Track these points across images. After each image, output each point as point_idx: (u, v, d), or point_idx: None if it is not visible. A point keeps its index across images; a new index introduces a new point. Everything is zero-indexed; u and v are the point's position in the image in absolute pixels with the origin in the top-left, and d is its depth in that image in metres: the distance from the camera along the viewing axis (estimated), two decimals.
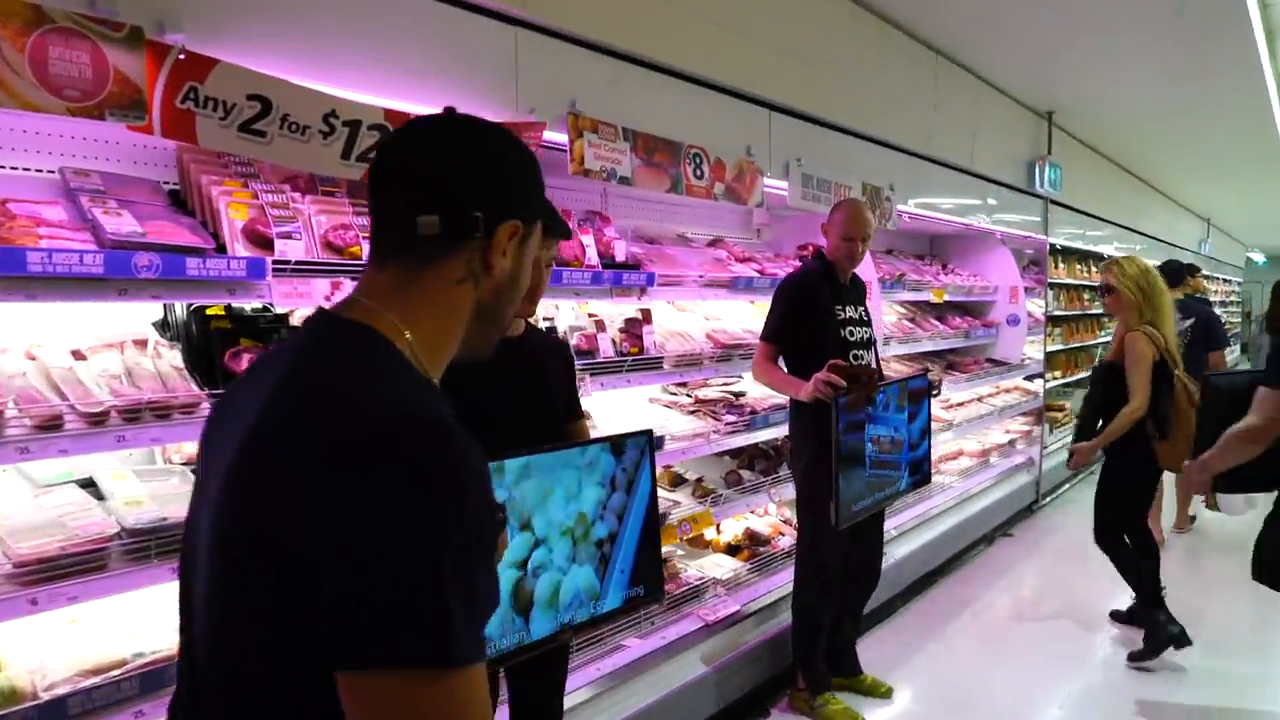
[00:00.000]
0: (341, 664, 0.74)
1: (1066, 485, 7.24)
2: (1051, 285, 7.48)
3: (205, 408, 2.10)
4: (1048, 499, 6.81)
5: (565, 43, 2.65)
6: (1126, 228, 10.21)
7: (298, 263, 2.21)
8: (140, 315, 2.34)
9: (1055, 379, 7.66)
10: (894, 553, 4.48)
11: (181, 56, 1.66)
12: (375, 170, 0.97)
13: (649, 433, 2.22)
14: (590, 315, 3.31)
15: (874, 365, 3.51)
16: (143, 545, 1.97)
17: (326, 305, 0.97)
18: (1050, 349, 7.39)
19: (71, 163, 2.18)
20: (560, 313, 3.31)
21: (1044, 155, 6.81)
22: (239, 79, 1.74)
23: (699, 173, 3.23)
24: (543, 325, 3.17)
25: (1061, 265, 8.05)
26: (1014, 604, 4.71)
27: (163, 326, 2.34)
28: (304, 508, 0.77)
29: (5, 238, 1.80)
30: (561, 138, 2.61)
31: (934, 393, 4.50)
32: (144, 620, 2.06)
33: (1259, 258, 23.19)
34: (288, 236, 2.23)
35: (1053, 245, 7.44)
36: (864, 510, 3.19)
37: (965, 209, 5.91)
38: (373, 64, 2.12)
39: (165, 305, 2.33)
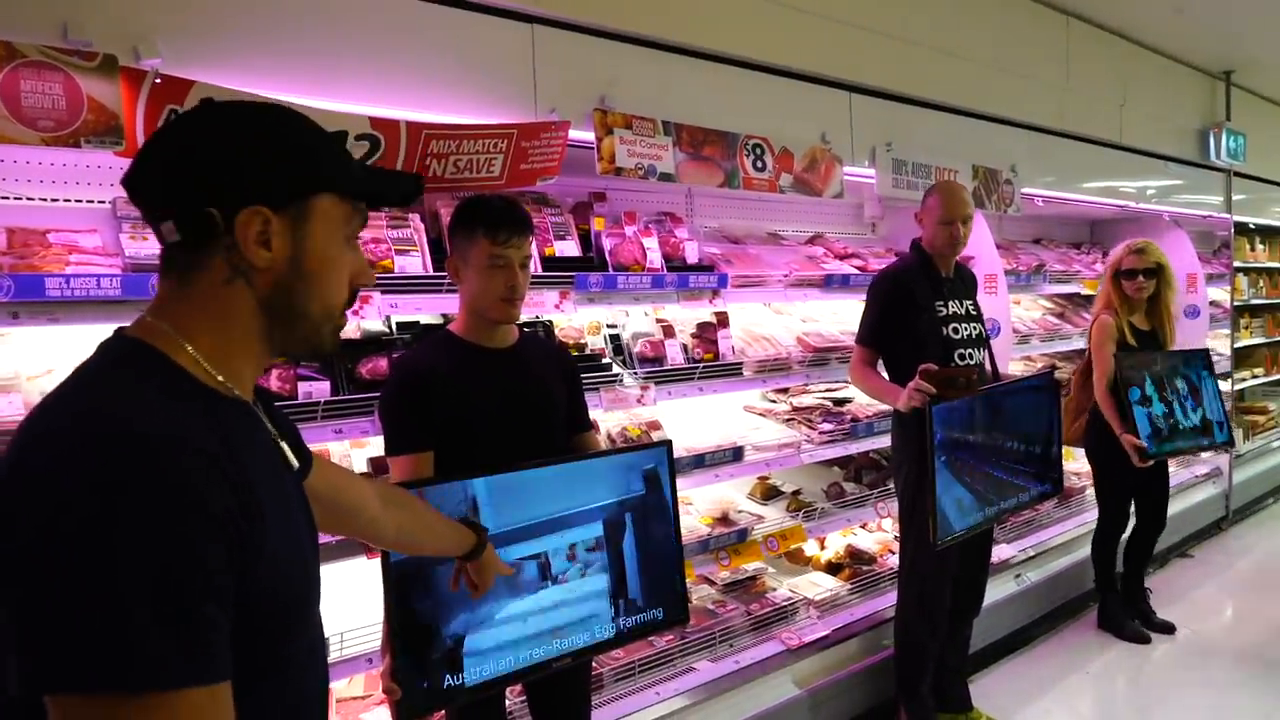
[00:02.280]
0: (33, 687, 0.70)
1: (1272, 500, 6.29)
2: (1245, 270, 6.55)
3: None
4: (1243, 517, 5.93)
5: (592, 36, 2.54)
6: None
7: None
8: None
9: (1254, 376, 6.70)
10: (1029, 575, 4.02)
11: (158, 81, 1.70)
12: (124, 178, 0.92)
13: (667, 444, 2.07)
14: (659, 321, 3.18)
15: (985, 365, 3.16)
16: None
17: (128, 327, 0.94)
18: (1246, 343, 6.47)
19: (91, 192, 2.30)
20: (629, 318, 3.20)
21: (1221, 122, 5.97)
22: (217, 97, 1.76)
23: (760, 164, 3.03)
24: (605, 333, 3.08)
25: (1260, 247, 7.03)
26: (1184, 638, 4.09)
27: None
28: None
29: (34, 265, 1.92)
30: (590, 136, 2.51)
31: (1065, 393, 4.04)
32: None
33: None
34: None
35: (1242, 224, 6.51)
36: (973, 527, 2.86)
37: (1117, 189, 5.27)
38: (366, 74, 2.11)
39: None
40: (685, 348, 3.15)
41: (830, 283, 3.56)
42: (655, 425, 3.12)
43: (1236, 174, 6.29)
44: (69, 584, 0.69)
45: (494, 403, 1.95)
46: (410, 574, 1.69)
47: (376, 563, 2.33)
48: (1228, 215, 6.28)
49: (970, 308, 3.17)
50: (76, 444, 0.74)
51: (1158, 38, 5.34)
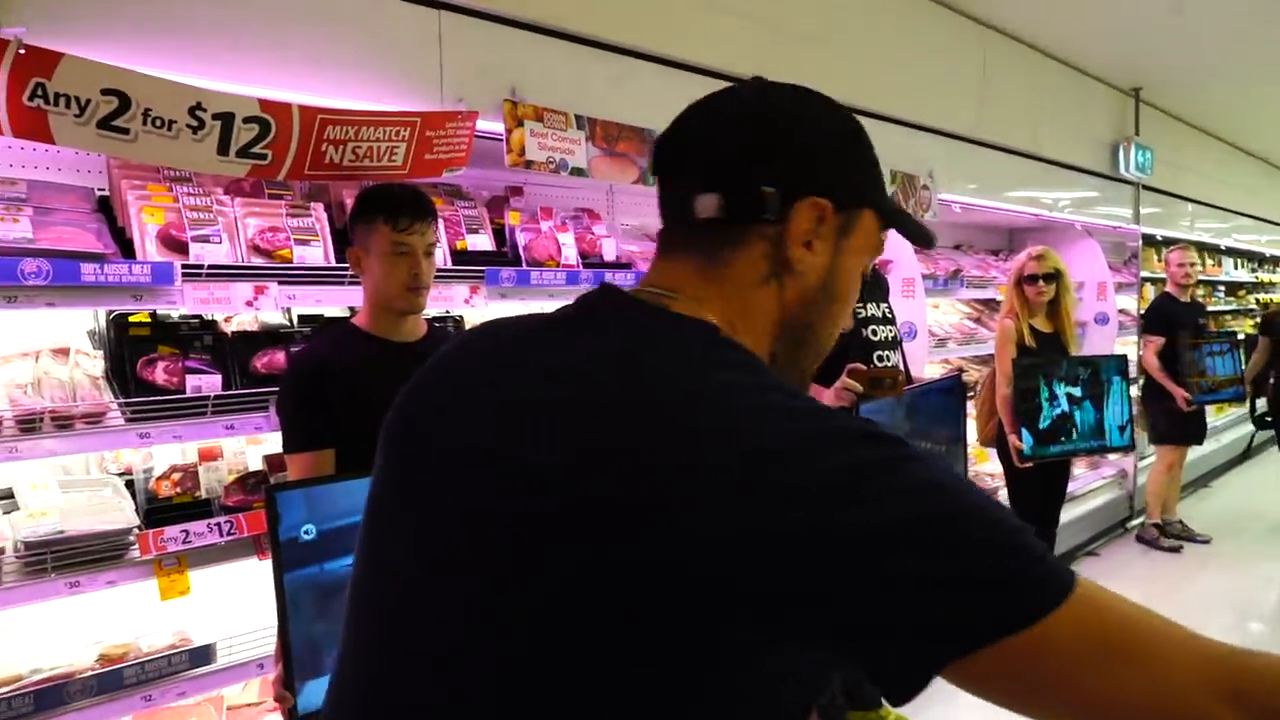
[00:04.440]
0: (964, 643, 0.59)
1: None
2: (1152, 280, 6.81)
3: (114, 417, 2.05)
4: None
5: (503, 25, 2.49)
6: (1243, 214, 9.22)
7: (213, 267, 2.14)
8: (76, 323, 2.33)
9: None
10: None
11: (22, 51, 1.60)
12: (655, 143, 0.84)
13: None
14: None
15: (900, 366, 3.21)
16: (38, 558, 1.92)
17: (625, 289, 0.79)
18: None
19: (9, 172, 2.19)
20: None
21: (1130, 136, 6.20)
22: (90, 73, 1.67)
23: None
24: None
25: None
26: None
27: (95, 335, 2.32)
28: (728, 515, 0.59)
29: None
30: (500, 127, 2.46)
31: (970, 395, 4.14)
32: (43, 636, 2.02)
33: None
34: (204, 240, 2.16)
35: (1149, 236, 6.78)
36: None
37: (1031, 198, 5.42)
38: (256, 52, 2.02)
39: (95, 313, 2.31)
40: None
41: None
42: None
43: (1145, 187, 6.54)
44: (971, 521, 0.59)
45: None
46: (303, 590, 1.62)
47: (268, 564, 2.26)
48: (1136, 227, 6.52)
49: (886, 310, 3.21)
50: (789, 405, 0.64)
51: (1071, 53, 5.50)
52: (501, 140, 2.50)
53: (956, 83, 4.64)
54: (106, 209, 2.25)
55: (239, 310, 2.27)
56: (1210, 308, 7.55)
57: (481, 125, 2.40)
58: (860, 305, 3.06)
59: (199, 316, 2.34)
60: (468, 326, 2.87)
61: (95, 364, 2.20)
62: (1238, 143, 8.81)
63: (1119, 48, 5.45)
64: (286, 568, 1.59)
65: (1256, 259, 10.30)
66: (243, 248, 2.26)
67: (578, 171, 2.63)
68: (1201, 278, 7.60)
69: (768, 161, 0.76)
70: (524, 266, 2.82)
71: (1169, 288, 5.54)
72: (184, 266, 2.08)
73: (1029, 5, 4.62)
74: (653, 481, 0.60)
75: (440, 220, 2.36)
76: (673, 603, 0.59)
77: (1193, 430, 5.47)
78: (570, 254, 2.94)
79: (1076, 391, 3.96)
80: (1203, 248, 8.09)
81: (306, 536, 1.64)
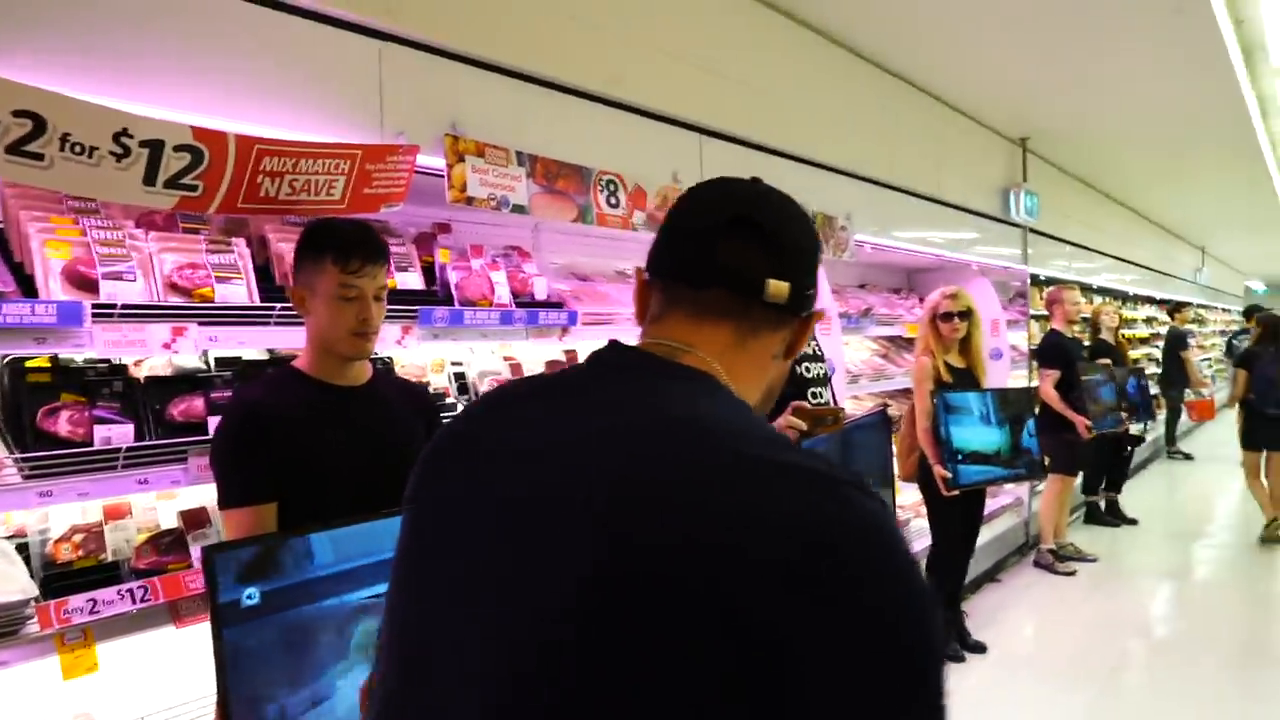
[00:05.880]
0: None
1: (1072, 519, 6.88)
2: (1037, 318, 7.20)
3: (9, 474, 1.83)
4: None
5: (443, 59, 2.41)
6: (1117, 258, 9.95)
7: (126, 306, 1.95)
8: None
9: None
10: None
11: None
12: (731, 219, 0.86)
13: None
14: (506, 359, 3.05)
15: (833, 402, 3.26)
16: None
17: (633, 346, 0.87)
18: (1037, 383, 7.07)
19: None
20: (475, 356, 3.04)
21: (1019, 183, 6.58)
22: (1, 92, 1.50)
23: (613, 201, 2.98)
24: (450, 371, 2.91)
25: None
26: (994, 656, 4.34)
27: None
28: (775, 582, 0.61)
29: None
30: (439, 162, 2.37)
31: (895, 429, 4.26)
32: None
33: (1258, 286, 22.87)
34: (117, 277, 1.98)
35: (1034, 276, 7.18)
36: None
37: (935, 240, 5.66)
38: (189, 79, 1.88)
39: None
40: None
41: None
42: None
43: (1031, 230, 6.93)
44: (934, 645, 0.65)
45: (345, 446, 1.76)
46: (247, 650, 1.46)
47: (186, 632, 2.05)
48: (1025, 267, 6.89)
49: (816, 348, 3.26)
50: (829, 473, 0.69)
51: (965, 102, 5.81)
52: (435, 175, 2.40)
53: (872, 130, 4.82)
54: (0, 242, 2.03)
55: (154, 353, 2.09)
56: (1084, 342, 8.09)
57: (419, 160, 2.30)
58: None
59: (106, 361, 2.14)
60: (397, 369, 2.73)
61: None
62: (1112, 194, 9.52)
63: (1006, 99, 5.79)
64: (225, 636, 1.44)
65: (1121, 297, 11.10)
66: (159, 286, 2.08)
67: (519, 209, 2.56)
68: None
69: (814, 266, 0.91)
70: (457, 306, 2.72)
71: (1056, 324, 5.86)
72: (94, 306, 1.89)
73: (933, 56, 4.86)
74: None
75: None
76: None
77: (1084, 458, 5.83)
78: (504, 293, 2.85)
79: (998, 420, 4.14)
80: (1084, 288, 8.65)
81: (249, 601, 1.50)
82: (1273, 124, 7.02)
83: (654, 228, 3.24)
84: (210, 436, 2.10)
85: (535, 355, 3.17)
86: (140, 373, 2.21)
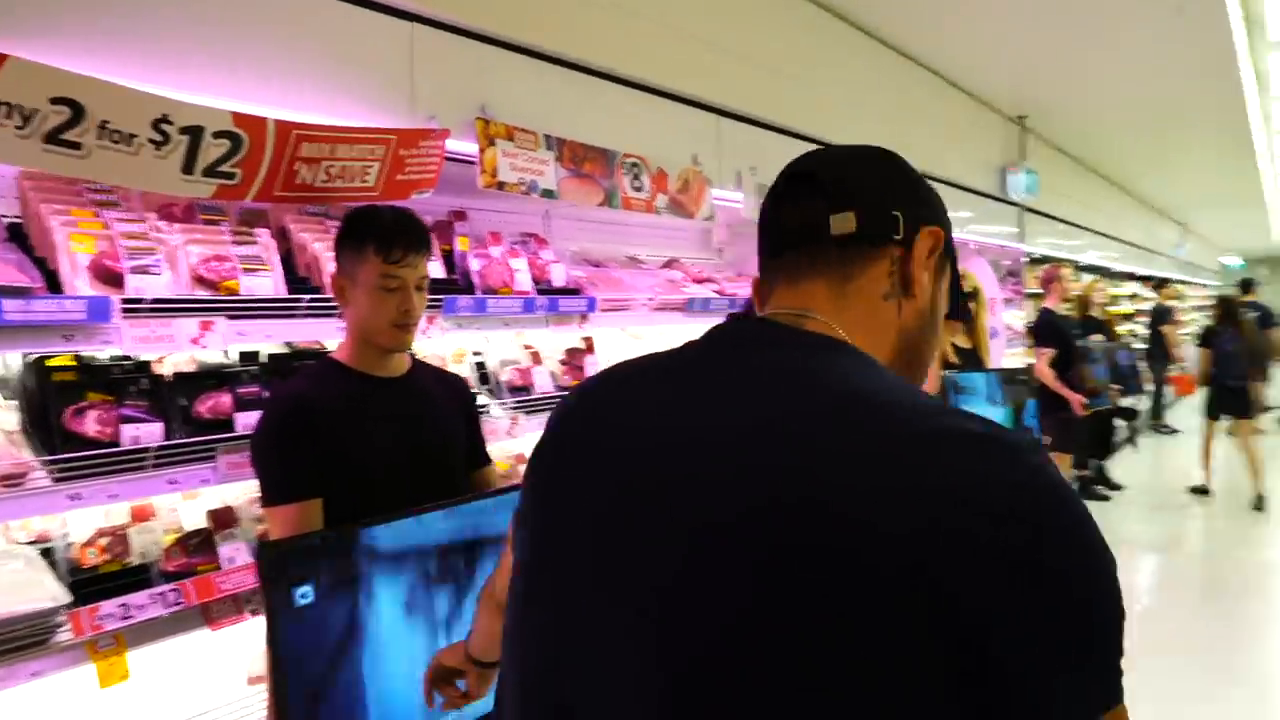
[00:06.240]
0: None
1: None
2: (1033, 296, 7.23)
3: (38, 477, 1.76)
4: None
5: (475, 41, 2.33)
6: (1105, 235, 10.01)
7: (155, 301, 1.88)
8: None
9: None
10: None
11: None
12: (785, 177, 0.88)
13: None
14: (526, 347, 2.99)
15: None
16: None
17: (755, 315, 0.86)
18: (1032, 361, 7.12)
19: None
20: (491, 345, 2.98)
21: (1016, 161, 6.57)
22: (38, 78, 1.41)
23: (638, 184, 2.92)
24: (471, 360, 2.85)
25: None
26: None
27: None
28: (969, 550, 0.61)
29: None
30: (469, 147, 2.29)
31: None
32: None
33: (1233, 261, 23.18)
34: (144, 271, 1.90)
35: (1030, 254, 7.21)
36: None
37: None
38: (226, 63, 1.79)
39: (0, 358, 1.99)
40: (554, 375, 2.98)
41: (692, 306, 3.51)
42: (522, 459, 2.93)
43: (1028, 209, 6.94)
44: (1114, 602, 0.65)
45: (389, 437, 1.70)
46: (302, 649, 1.40)
47: (220, 635, 2.00)
48: (1021, 245, 6.90)
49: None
50: (1000, 436, 0.66)
51: (967, 79, 5.77)
52: (460, 160, 2.33)
53: (880, 108, 4.77)
54: (18, 236, 1.94)
55: (182, 348, 2.01)
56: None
57: (447, 145, 2.23)
58: None
59: (129, 358, 2.06)
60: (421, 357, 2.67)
61: (8, 416, 1.89)
62: (1102, 171, 9.55)
63: (1005, 76, 5.76)
64: (281, 635, 1.38)
65: (1106, 274, 11.20)
66: (185, 279, 2.01)
67: (548, 193, 2.50)
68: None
69: (895, 192, 0.84)
70: (479, 294, 2.65)
71: (1049, 302, 5.88)
72: (123, 301, 1.82)
73: (933, 32, 4.81)
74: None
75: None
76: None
77: (1079, 436, 5.88)
78: (524, 279, 2.79)
79: (1005, 402, 4.14)
80: (1077, 266, 8.71)
81: (303, 601, 1.45)
82: (1266, 99, 7.05)
83: (676, 211, 3.20)
84: (239, 433, 2.05)
85: (555, 343, 3.12)
86: (164, 369, 2.14)
